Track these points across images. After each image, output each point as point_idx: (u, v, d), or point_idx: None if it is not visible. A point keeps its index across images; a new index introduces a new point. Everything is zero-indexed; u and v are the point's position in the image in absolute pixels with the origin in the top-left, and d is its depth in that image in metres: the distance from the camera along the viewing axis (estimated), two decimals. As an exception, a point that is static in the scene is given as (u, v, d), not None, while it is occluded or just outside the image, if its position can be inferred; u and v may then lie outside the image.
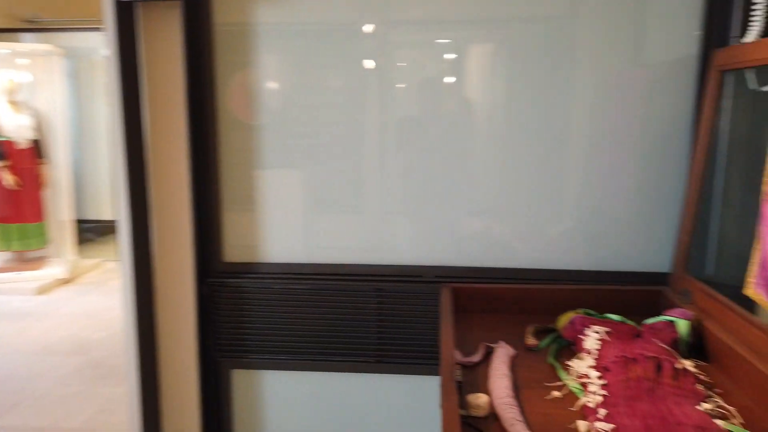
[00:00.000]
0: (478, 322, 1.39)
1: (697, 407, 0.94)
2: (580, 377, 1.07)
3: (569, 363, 1.15)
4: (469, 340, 1.28)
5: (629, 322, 1.28)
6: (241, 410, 1.66)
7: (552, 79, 1.45)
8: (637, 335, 1.22)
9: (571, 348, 1.24)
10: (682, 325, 1.19)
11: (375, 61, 1.47)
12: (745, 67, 1.28)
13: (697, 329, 1.20)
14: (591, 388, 1.01)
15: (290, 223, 1.57)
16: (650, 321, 1.25)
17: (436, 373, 1.58)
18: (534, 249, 1.53)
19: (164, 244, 1.59)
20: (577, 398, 1.03)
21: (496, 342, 1.24)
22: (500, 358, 1.15)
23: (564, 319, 1.29)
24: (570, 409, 1.00)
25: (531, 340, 1.27)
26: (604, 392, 0.98)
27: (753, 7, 1.27)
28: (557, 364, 1.16)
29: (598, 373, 1.05)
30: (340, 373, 1.61)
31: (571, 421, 0.96)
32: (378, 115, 1.50)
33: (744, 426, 0.93)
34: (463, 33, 1.46)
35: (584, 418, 0.95)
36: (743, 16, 1.30)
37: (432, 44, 1.48)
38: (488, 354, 1.20)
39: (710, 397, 0.99)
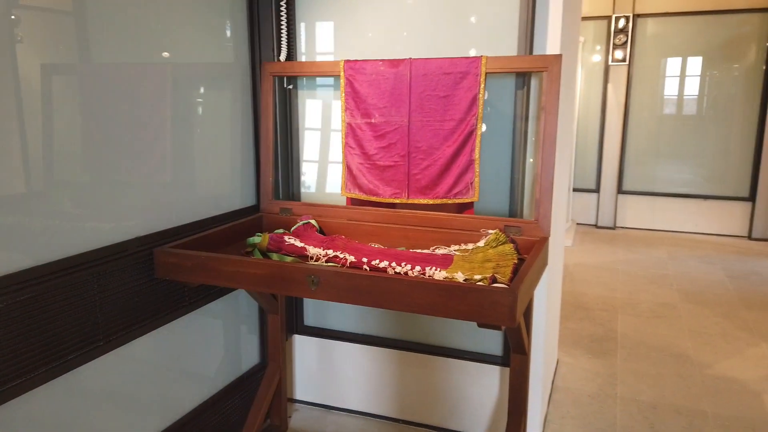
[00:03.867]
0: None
1: (370, 246, 1.92)
2: (326, 257, 1.81)
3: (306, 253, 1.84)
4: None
5: (288, 231, 2.04)
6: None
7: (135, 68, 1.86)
8: (298, 235, 2.01)
9: (278, 254, 1.89)
10: (314, 222, 2.08)
11: None
12: (282, 75, 2.20)
13: (318, 223, 2.11)
14: (340, 255, 1.79)
15: None
16: (295, 227, 2.06)
17: (163, 323, 1.78)
18: (176, 208, 1.94)
19: None
20: (335, 267, 1.78)
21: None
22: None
23: (264, 240, 1.90)
24: (345, 268, 1.75)
25: (254, 257, 1.83)
26: (347, 254, 1.80)
27: (281, 39, 2.19)
28: (296, 259, 1.83)
29: (330, 250, 1.83)
30: (72, 371, 1.52)
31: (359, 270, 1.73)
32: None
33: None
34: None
35: (359, 265, 1.74)
36: (277, 43, 2.19)
37: None
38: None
39: (369, 243, 1.98)
